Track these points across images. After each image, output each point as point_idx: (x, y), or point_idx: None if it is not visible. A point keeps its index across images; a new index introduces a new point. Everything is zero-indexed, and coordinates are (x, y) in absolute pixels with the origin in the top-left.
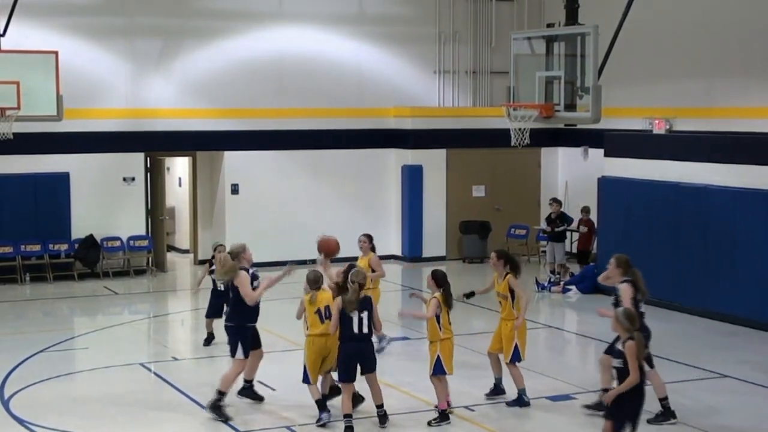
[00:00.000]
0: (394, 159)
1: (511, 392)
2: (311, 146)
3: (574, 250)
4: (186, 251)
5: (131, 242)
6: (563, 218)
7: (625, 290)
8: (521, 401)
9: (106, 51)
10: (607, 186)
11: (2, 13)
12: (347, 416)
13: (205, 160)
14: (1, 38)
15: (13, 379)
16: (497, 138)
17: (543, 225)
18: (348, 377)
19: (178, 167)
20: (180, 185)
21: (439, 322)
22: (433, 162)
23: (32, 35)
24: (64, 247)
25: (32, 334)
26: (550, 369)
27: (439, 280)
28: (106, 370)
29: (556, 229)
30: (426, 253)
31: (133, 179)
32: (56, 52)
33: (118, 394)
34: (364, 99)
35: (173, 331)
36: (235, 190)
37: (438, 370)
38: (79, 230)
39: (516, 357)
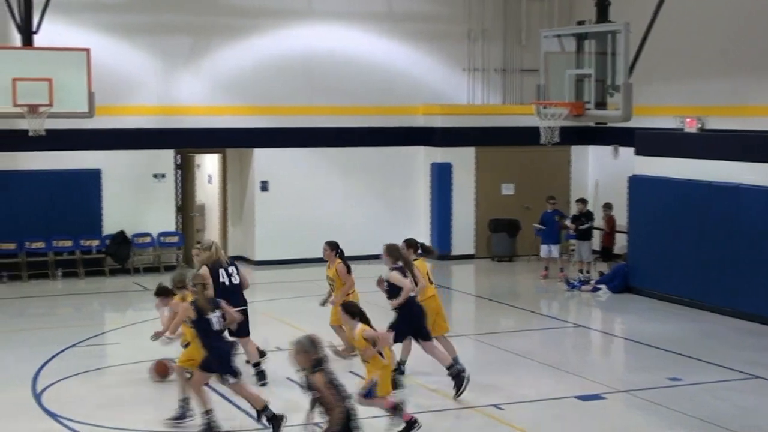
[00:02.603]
0: (423, 157)
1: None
2: (340, 144)
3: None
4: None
5: (161, 238)
6: (588, 216)
7: (395, 277)
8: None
9: (137, 48)
10: (637, 185)
11: (36, 10)
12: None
13: (235, 157)
14: (34, 35)
15: (44, 373)
16: (527, 136)
17: (538, 224)
18: (236, 371)
19: (208, 164)
20: (210, 182)
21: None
22: (463, 160)
23: (64, 33)
24: (95, 243)
25: (63, 329)
26: (579, 368)
27: (352, 312)
28: (136, 366)
29: (580, 227)
30: (455, 251)
31: (164, 176)
32: (88, 50)
33: (148, 390)
34: (393, 97)
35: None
36: (264, 187)
37: (370, 394)
38: (110, 226)
39: None
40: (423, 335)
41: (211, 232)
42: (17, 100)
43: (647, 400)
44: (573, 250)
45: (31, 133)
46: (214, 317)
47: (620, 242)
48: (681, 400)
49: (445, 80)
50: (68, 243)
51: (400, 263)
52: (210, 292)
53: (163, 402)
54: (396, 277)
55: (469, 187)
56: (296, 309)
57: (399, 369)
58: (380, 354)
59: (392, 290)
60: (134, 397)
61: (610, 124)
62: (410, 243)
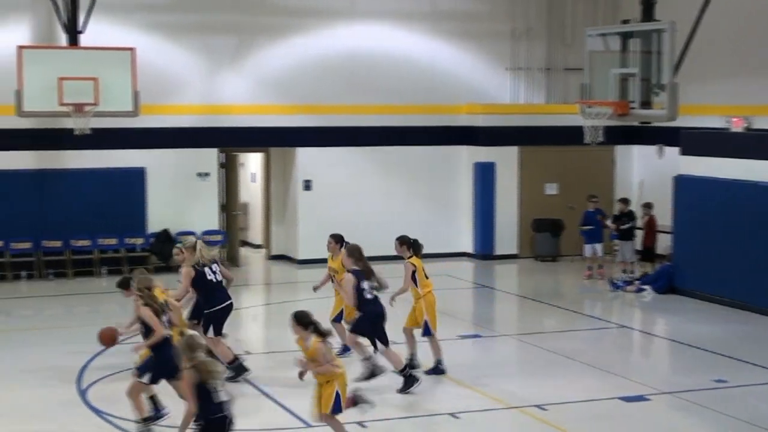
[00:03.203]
0: (466, 156)
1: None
2: (383, 143)
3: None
4: (259, 246)
5: (205, 237)
6: (630, 216)
7: (348, 279)
8: (437, 370)
9: (182, 47)
10: (683, 184)
11: (81, 10)
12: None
13: (278, 156)
14: (80, 35)
15: (89, 370)
16: (571, 135)
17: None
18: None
19: (252, 163)
20: (253, 181)
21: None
22: (506, 159)
23: (110, 32)
24: (140, 241)
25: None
26: (623, 369)
27: (305, 323)
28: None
29: (621, 227)
30: (498, 251)
31: (208, 175)
32: (133, 49)
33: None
34: (435, 96)
35: (246, 325)
36: (307, 186)
37: (336, 409)
38: (154, 224)
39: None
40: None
41: (255, 231)
42: (63, 100)
43: (692, 402)
44: (616, 250)
45: (76, 132)
46: (164, 320)
47: (662, 242)
48: (726, 402)
49: (487, 79)
50: (113, 241)
51: (359, 266)
52: (157, 294)
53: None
54: (347, 280)
55: (512, 186)
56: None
57: (411, 364)
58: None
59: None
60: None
61: (654, 124)
62: (403, 240)
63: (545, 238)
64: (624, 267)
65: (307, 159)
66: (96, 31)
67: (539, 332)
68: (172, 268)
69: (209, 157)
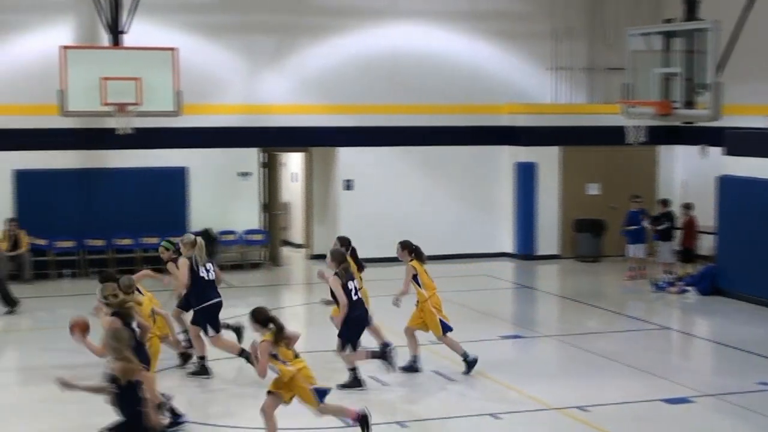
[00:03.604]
0: (507, 156)
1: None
2: (424, 143)
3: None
4: (300, 246)
5: (247, 236)
6: (667, 217)
7: (333, 281)
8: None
9: (223, 47)
10: (726, 185)
11: (124, 10)
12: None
13: (320, 156)
14: (123, 35)
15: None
16: (613, 135)
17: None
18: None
19: (292, 163)
20: (294, 180)
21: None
22: (547, 159)
23: (152, 32)
24: None
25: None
26: (665, 371)
27: (262, 321)
28: (223, 362)
29: (658, 228)
30: (539, 252)
31: (250, 174)
32: (176, 49)
33: (236, 385)
34: (476, 95)
35: (287, 324)
36: (348, 186)
37: (321, 396)
38: (196, 224)
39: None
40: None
41: (295, 231)
42: (106, 99)
43: (736, 405)
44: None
45: (119, 132)
46: (135, 327)
47: (704, 243)
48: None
49: (528, 79)
50: (155, 240)
51: (340, 269)
52: (124, 301)
53: (252, 397)
54: (334, 284)
55: (554, 186)
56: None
57: (413, 367)
58: (275, 357)
59: (333, 296)
60: (223, 391)
61: (698, 124)
62: (405, 245)
63: (587, 238)
64: (666, 268)
65: (348, 159)
66: (138, 31)
67: (580, 333)
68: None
69: (250, 157)
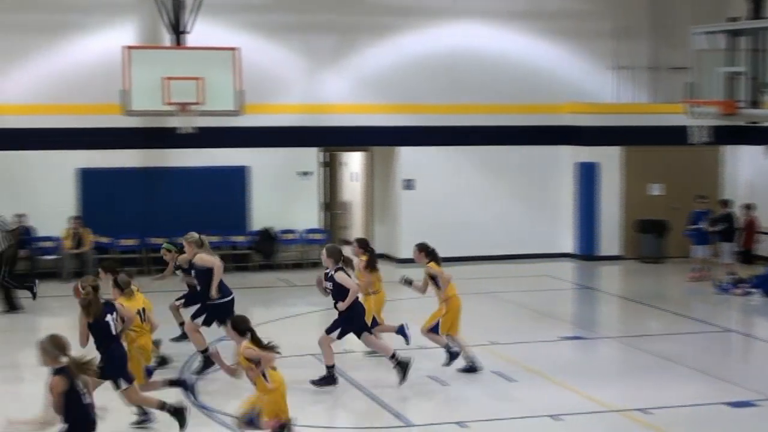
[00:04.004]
0: (567, 156)
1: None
2: (484, 142)
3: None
4: None
5: (307, 235)
6: (726, 218)
7: (341, 277)
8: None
9: (284, 47)
10: None
11: (186, 11)
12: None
13: (380, 155)
14: (184, 35)
15: (194, 363)
16: (676, 135)
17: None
18: (131, 377)
19: (353, 162)
20: (353, 180)
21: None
22: (609, 159)
23: (212, 32)
24: (243, 239)
25: None
26: (729, 374)
27: (242, 330)
28: (282, 361)
29: (716, 229)
30: (601, 252)
31: (310, 173)
32: (237, 49)
33: (295, 383)
34: (536, 95)
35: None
36: (408, 185)
37: (251, 422)
38: (257, 222)
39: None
40: (367, 329)
41: (356, 230)
42: (169, 99)
43: None
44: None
45: (181, 131)
46: (111, 320)
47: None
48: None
49: (588, 78)
50: (216, 239)
51: (341, 264)
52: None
53: (309, 395)
54: (342, 276)
55: (615, 186)
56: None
57: (472, 367)
58: (264, 376)
59: (339, 291)
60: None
61: (763, 123)
62: (422, 247)
63: (649, 239)
64: (728, 269)
65: (408, 158)
66: (199, 31)
67: (642, 335)
68: (273, 267)
69: (311, 156)
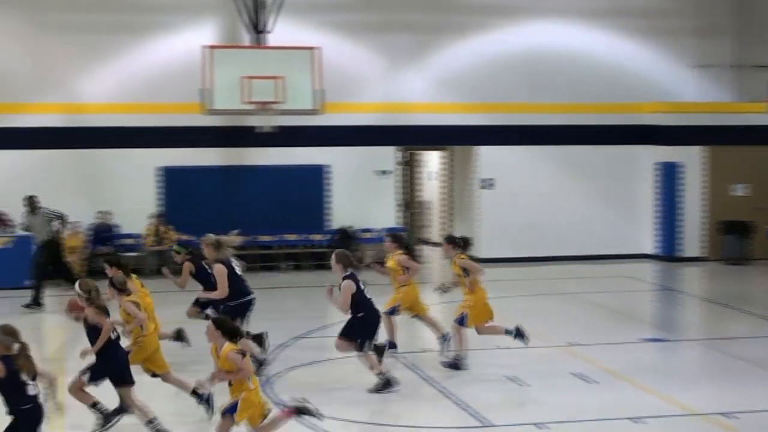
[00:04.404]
0: (647, 156)
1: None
2: (563, 142)
3: None
4: (437, 244)
5: (385, 234)
6: None
7: (348, 285)
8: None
9: (363, 46)
10: None
11: (265, 10)
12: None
13: (458, 155)
14: (264, 35)
15: (273, 362)
16: (761, 135)
17: None
18: (131, 380)
19: (431, 161)
20: (430, 179)
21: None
22: (691, 159)
23: (291, 32)
24: (321, 237)
25: (290, 321)
26: None
27: (228, 332)
28: (355, 359)
29: None
30: (683, 253)
31: (389, 172)
32: (317, 48)
33: (371, 381)
34: (616, 94)
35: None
36: (487, 184)
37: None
38: (335, 221)
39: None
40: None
41: (434, 229)
42: (249, 98)
43: None
44: None
45: (261, 130)
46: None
47: None
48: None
49: (670, 77)
50: (295, 237)
51: (350, 270)
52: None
53: (384, 394)
54: (346, 287)
55: (698, 187)
56: (519, 307)
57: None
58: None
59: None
60: (357, 388)
61: None
62: (449, 240)
63: (733, 240)
64: None
65: (487, 158)
66: (279, 31)
67: (726, 338)
68: (327, 266)
69: (389, 155)
